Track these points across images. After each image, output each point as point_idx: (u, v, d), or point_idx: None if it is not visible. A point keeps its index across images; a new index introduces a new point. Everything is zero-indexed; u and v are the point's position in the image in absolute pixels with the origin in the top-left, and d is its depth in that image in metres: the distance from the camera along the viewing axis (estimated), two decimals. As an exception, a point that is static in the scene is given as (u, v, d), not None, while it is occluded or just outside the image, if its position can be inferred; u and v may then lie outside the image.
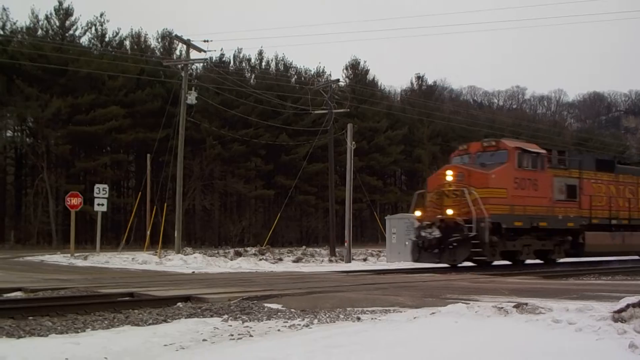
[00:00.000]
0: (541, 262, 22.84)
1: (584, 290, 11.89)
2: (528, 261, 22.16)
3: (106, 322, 8.59)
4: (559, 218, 21.77)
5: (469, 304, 8.86)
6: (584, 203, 22.65)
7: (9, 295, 11.16)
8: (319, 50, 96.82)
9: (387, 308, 9.34)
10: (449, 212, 19.66)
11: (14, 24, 37.44)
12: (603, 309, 7.86)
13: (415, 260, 20.68)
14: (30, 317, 8.64)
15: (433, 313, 8.35)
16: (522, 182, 20.64)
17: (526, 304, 8.28)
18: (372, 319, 8.38)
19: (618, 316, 6.99)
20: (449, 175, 20.29)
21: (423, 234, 20.07)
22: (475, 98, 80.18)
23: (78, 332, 7.86)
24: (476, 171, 20.28)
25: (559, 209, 21.79)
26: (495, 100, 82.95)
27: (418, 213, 20.99)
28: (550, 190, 21.58)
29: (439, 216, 19.92)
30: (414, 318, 8.15)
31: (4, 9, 37.41)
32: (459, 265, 20.24)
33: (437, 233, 19.53)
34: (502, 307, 8.18)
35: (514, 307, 8.18)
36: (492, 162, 20.67)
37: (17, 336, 7.55)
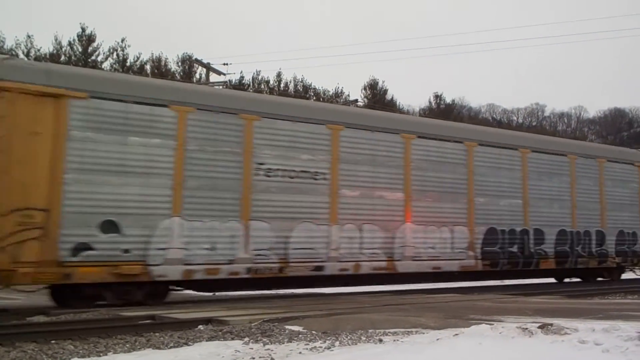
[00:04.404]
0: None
1: (610, 309, 11.69)
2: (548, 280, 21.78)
3: (128, 345, 8.60)
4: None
5: (492, 324, 8.74)
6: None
7: (31, 318, 11.21)
8: (337, 71, 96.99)
9: (409, 329, 9.24)
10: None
11: (38, 50, 37.80)
12: (630, 329, 7.73)
13: None
14: (53, 341, 8.67)
15: (456, 334, 8.24)
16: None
17: (551, 324, 8.15)
18: (394, 340, 8.29)
19: (646, 336, 6.87)
20: None
21: None
22: (494, 116, 79.68)
23: (100, 356, 7.87)
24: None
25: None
26: (515, 118, 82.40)
27: None
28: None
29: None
30: (437, 340, 8.05)
31: (29, 36, 37.65)
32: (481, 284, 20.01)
33: None
34: (526, 328, 8.06)
35: (539, 327, 8.06)
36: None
37: (40, 360, 7.59)
